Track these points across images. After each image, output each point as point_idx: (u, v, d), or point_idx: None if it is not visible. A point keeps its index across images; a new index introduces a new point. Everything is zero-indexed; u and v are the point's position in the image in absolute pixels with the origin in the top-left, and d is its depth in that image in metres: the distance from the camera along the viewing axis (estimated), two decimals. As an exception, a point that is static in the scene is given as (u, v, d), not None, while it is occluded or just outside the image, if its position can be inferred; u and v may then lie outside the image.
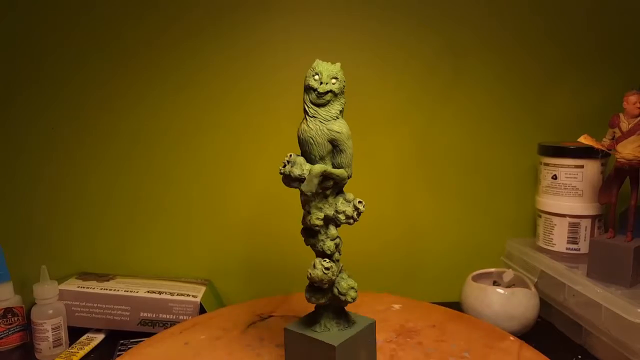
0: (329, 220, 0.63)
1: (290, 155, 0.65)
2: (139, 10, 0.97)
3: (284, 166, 0.65)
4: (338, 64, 0.64)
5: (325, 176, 0.62)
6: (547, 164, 0.97)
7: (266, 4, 0.99)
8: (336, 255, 0.64)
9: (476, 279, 0.97)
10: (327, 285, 0.63)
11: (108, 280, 0.97)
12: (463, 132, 1.07)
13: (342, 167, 0.63)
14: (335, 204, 0.63)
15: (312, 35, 1.01)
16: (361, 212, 0.61)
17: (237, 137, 1.03)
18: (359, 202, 0.62)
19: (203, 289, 0.97)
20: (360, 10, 1.01)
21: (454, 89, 1.05)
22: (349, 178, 0.63)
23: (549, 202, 0.97)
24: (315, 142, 0.63)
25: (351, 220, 0.62)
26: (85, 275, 0.99)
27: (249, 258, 1.06)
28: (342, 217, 0.62)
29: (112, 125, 1.00)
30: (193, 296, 0.92)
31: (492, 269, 0.99)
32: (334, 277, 0.62)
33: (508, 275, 0.97)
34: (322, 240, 0.64)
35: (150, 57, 0.98)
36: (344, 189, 0.65)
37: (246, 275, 1.07)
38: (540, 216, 1.00)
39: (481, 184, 1.09)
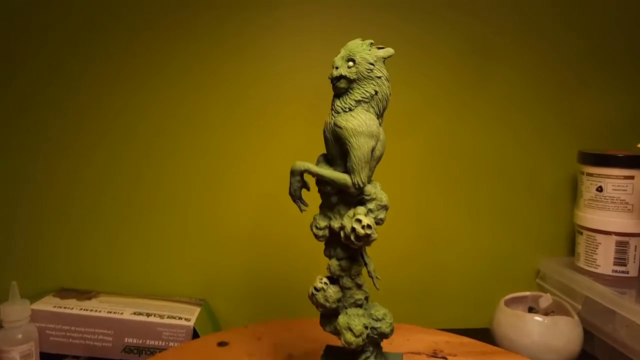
0: (337, 235, 0.52)
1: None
2: (129, 4, 0.90)
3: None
4: (366, 42, 0.52)
5: (320, 180, 0.51)
6: (590, 175, 0.87)
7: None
8: (344, 281, 0.52)
9: (509, 303, 0.87)
10: (322, 310, 0.53)
11: (90, 299, 0.86)
12: (488, 137, 0.99)
13: (347, 172, 0.52)
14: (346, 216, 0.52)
15: (321, 29, 0.93)
16: (363, 237, 0.48)
17: (234, 140, 0.95)
18: (357, 220, 0.49)
19: (197, 310, 0.87)
20: (374, 4, 0.93)
21: (478, 90, 0.98)
22: (356, 187, 0.50)
23: (592, 217, 0.87)
24: (326, 139, 0.53)
25: (349, 242, 0.50)
26: (64, 292, 0.89)
27: (250, 274, 0.98)
28: (341, 234, 0.50)
29: (100, 131, 0.92)
30: (185, 319, 0.82)
31: (527, 293, 0.89)
32: (328, 305, 0.50)
33: (546, 300, 0.85)
34: (329, 256, 0.53)
35: (136, 62, 0.91)
36: (372, 201, 0.53)
37: (246, 294, 0.98)
38: (580, 233, 0.89)
39: (510, 195, 1.01)
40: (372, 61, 0.52)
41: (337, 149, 0.52)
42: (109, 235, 0.95)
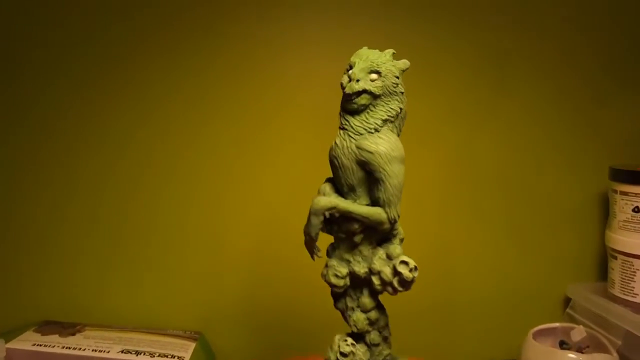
0: (360, 281, 0.45)
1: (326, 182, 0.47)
2: (128, 8, 0.86)
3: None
4: (387, 52, 0.46)
5: (345, 216, 0.43)
6: (624, 193, 0.81)
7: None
8: (372, 336, 0.45)
9: (537, 336, 0.80)
10: None
11: (74, 334, 0.81)
12: (507, 153, 0.94)
13: (379, 204, 0.44)
14: (372, 259, 0.44)
15: (327, 34, 0.88)
16: (408, 281, 0.42)
17: (233, 159, 0.90)
18: (403, 262, 0.42)
19: (192, 345, 0.81)
20: (382, 14, 0.89)
21: (494, 103, 0.93)
22: (392, 223, 0.43)
23: (629, 240, 0.81)
24: (341, 165, 0.45)
25: (390, 289, 0.43)
26: (46, 327, 0.82)
27: (251, 304, 0.92)
28: (376, 281, 0.43)
29: (88, 153, 0.88)
30: (179, 358, 0.75)
31: (557, 324, 0.83)
32: None
33: (578, 333, 0.78)
34: (351, 308, 0.45)
35: (130, 76, 0.87)
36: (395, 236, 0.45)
37: (247, 327, 0.92)
38: (615, 257, 0.82)
39: (532, 215, 0.95)
40: (398, 74, 0.46)
41: (359, 177, 0.45)
42: (97, 261, 0.90)
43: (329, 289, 0.52)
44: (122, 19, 0.85)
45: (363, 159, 0.45)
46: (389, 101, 0.47)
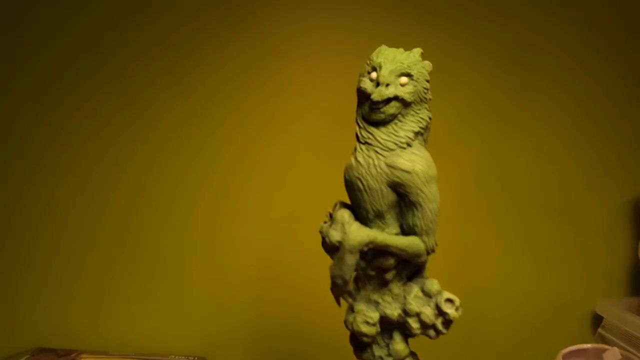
0: (391, 325, 0.39)
1: (336, 206, 0.41)
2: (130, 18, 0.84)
3: (326, 222, 0.41)
4: (416, 51, 0.40)
5: (377, 250, 0.38)
6: None
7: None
8: None
9: (566, 358, 0.74)
10: None
11: None
12: (533, 161, 0.91)
13: (415, 233, 0.38)
14: (405, 297, 0.39)
15: (336, 38, 0.85)
16: (452, 321, 0.36)
17: (239, 172, 0.86)
18: (448, 300, 0.37)
19: None
20: (399, 9, 0.86)
21: (520, 106, 0.90)
22: (429, 254, 0.38)
23: None
24: (367, 188, 0.40)
25: (432, 332, 0.38)
26: (40, 354, 0.80)
27: (257, 327, 0.88)
28: (414, 324, 0.38)
29: (85, 174, 0.85)
30: None
31: (588, 345, 0.77)
32: None
33: (613, 356, 0.72)
34: (380, 358, 0.39)
35: (127, 93, 0.85)
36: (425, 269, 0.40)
37: (253, 351, 0.88)
38: None
39: (559, 227, 0.92)
40: (429, 78, 0.40)
41: (389, 201, 0.39)
42: (95, 284, 0.86)
43: (336, 312, 0.46)
44: (129, 26, 0.84)
45: (397, 180, 0.39)
46: (419, 110, 0.41)
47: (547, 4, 0.89)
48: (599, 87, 0.91)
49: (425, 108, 0.42)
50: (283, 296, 0.89)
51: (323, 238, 0.41)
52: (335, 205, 0.43)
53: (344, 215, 0.41)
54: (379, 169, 0.40)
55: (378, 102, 0.41)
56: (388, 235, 0.40)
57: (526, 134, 0.90)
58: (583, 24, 0.90)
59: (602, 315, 0.87)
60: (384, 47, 0.44)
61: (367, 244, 0.39)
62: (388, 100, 0.41)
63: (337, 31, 0.85)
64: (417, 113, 0.42)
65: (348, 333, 0.55)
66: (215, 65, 0.85)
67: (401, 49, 0.44)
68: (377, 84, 0.41)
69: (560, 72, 0.90)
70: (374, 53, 0.43)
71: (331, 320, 0.85)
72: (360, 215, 0.42)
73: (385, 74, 0.41)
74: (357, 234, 0.39)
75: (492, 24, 0.88)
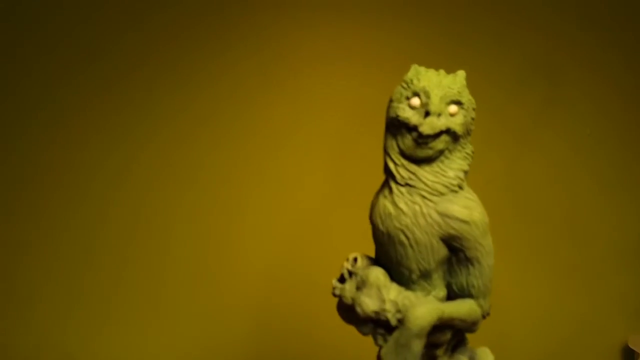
0: None
1: (355, 261, 0.36)
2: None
3: (342, 280, 0.36)
4: (460, 74, 0.39)
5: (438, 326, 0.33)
6: None
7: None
8: None
9: None
10: None
11: None
12: (559, 179, 0.88)
13: (469, 295, 0.36)
14: None
15: (344, 45, 0.83)
16: None
17: (247, 181, 0.84)
18: None
19: None
20: (414, 19, 0.82)
21: (544, 120, 0.86)
22: (485, 317, 0.32)
23: None
24: (413, 242, 0.36)
25: None
26: None
27: (259, 341, 0.82)
28: None
29: (76, 201, 0.83)
30: None
31: None
32: None
33: None
34: None
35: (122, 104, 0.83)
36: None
37: None
38: None
39: (587, 251, 0.89)
40: (475, 105, 0.35)
41: (440, 258, 0.34)
42: (95, 299, 0.83)
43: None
44: (134, 29, 0.82)
45: (452, 232, 0.34)
46: (465, 144, 0.37)
47: (571, 21, 0.84)
48: (623, 106, 0.87)
49: (469, 142, 0.37)
50: (282, 328, 0.83)
51: (341, 302, 0.35)
52: (354, 259, 0.37)
53: (379, 276, 0.36)
54: (428, 219, 0.35)
55: (428, 137, 0.35)
56: (452, 305, 0.35)
57: (550, 147, 0.87)
58: (606, 42, 0.86)
59: (635, 349, 0.82)
60: (421, 68, 0.38)
61: (439, 321, 0.33)
62: (438, 135, 0.35)
63: (345, 37, 0.82)
64: (463, 148, 0.37)
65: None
66: (221, 70, 0.82)
67: (442, 71, 0.38)
68: (426, 114, 0.35)
69: (583, 90, 0.86)
70: (410, 75, 0.38)
71: (328, 347, 0.80)
72: (399, 274, 0.37)
73: (436, 102, 0.35)
74: (423, 313, 0.33)
75: (513, 40, 0.84)
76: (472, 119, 0.37)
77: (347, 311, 0.37)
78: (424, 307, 0.33)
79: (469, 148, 0.38)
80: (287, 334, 0.82)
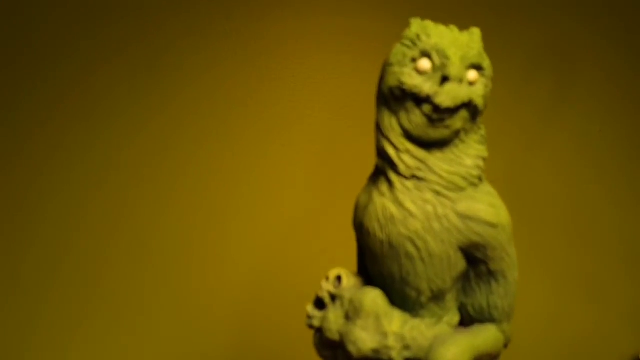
0: None
1: (339, 280, 0.29)
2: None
3: (320, 305, 0.31)
4: (475, 31, 0.31)
5: None
6: None
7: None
8: None
9: None
10: None
11: None
12: (568, 181, 0.84)
13: (489, 318, 0.28)
14: None
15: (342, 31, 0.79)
16: None
17: (222, 193, 0.80)
18: None
19: None
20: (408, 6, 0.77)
21: (554, 114, 0.82)
22: (506, 347, 0.30)
23: None
24: (425, 254, 0.26)
25: None
26: None
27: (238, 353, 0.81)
28: None
29: (55, 184, 0.80)
30: None
31: None
32: None
33: None
34: None
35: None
36: None
37: None
38: None
39: (597, 259, 0.85)
40: (492, 72, 0.31)
41: (458, 272, 0.27)
42: (68, 309, 0.80)
43: None
44: (122, 20, 0.79)
45: (476, 239, 0.26)
46: (480, 123, 0.29)
47: (580, 16, 0.81)
48: (634, 106, 0.84)
49: (481, 122, 0.30)
50: (263, 342, 0.81)
51: (322, 336, 0.27)
52: (337, 278, 0.29)
53: (377, 301, 0.28)
54: (445, 223, 0.27)
55: (447, 111, 0.27)
56: (479, 337, 0.27)
57: (559, 146, 0.83)
58: (617, 38, 0.83)
59: (648, 361, 0.79)
60: (428, 22, 0.30)
61: None
62: (455, 109, 0.28)
63: (339, 28, 0.79)
64: (479, 129, 0.29)
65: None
66: (202, 69, 0.79)
67: (453, 26, 0.30)
68: (443, 79, 0.27)
69: (593, 89, 0.83)
70: (414, 29, 0.30)
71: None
72: (403, 297, 0.28)
73: (457, 63, 0.27)
74: (457, 354, 0.25)
75: (519, 34, 0.81)
76: (490, 89, 0.30)
77: (331, 349, 0.28)
78: (456, 346, 0.25)
79: (483, 129, 0.31)
80: (271, 344, 0.81)
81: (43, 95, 0.79)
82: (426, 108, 0.28)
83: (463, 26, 0.78)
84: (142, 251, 0.81)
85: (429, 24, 0.30)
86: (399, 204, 0.28)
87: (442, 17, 0.79)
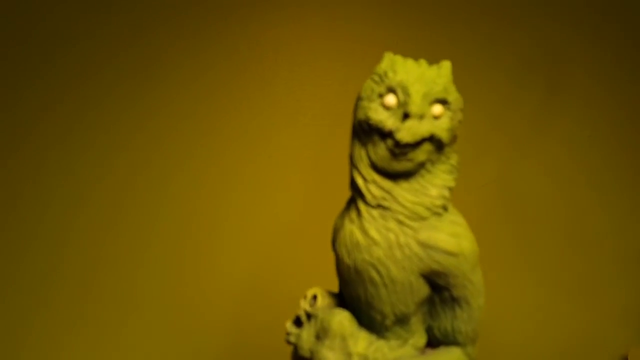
0: None
1: (315, 299, 0.31)
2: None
3: (298, 323, 0.32)
4: (444, 65, 0.32)
5: None
6: None
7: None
8: None
9: None
10: None
11: None
12: (557, 186, 0.86)
13: (454, 342, 0.30)
14: None
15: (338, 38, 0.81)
16: None
17: (214, 196, 0.81)
18: None
19: None
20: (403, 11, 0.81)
21: (544, 119, 0.84)
22: None
23: None
24: (387, 280, 0.28)
25: None
26: None
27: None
28: None
29: (48, 187, 0.81)
30: None
31: None
32: None
33: None
34: None
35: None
36: None
37: None
38: None
39: (586, 261, 0.87)
40: (462, 104, 0.31)
41: (420, 298, 0.28)
42: (62, 313, 0.81)
43: None
44: (118, 20, 0.80)
45: (435, 267, 0.28)
46: (450, 154, 0.31)
47: (569, 21, 0.82)
48: (624, 111, 0.85)
49: (454, 151, 0.31)
50: (255, 346, 0.82)
51: (297, 352, 0.30)
52: (313, 297, 0.31)
53: (343, 323, 0.30)
54: (407, 251, 0.29)
55: (407, 146, 0.29)
56: None
57: (549, 151, 0.85)
58: (611, 49, 0.84)
59: (635, 362, 0.81)
60: (397, 57, 0.32)
61: None
62: (420, 143, 0.29)
63: (333, 33, 0.80)
64: (447, 159, 0.31)
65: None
66: (195, 73, 0.80)
67: (423, 61, 0.32)
68: (405, 116, 0.29)
69: (583, 94, 0.83)
70: (383, 65, 0.31)
71: None
72: (369, 319, 0.30)
73: (417, 100, 0.29)
74: None
75: (508, 39, 0.81)
76: (459, 122, 0.31)
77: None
78: None
79: (454, 159, 0.32)
80: (264, 347, 0.81)
81: (40, 95, 0.81)
82: (389, 142, 0.30)
83: (454, 33, 0.80)
84: (135, 254, 0.82)
85: (398, 59, 0.32)
86: (364, 232, 0.30)
87: (434, 22, 0.80)
